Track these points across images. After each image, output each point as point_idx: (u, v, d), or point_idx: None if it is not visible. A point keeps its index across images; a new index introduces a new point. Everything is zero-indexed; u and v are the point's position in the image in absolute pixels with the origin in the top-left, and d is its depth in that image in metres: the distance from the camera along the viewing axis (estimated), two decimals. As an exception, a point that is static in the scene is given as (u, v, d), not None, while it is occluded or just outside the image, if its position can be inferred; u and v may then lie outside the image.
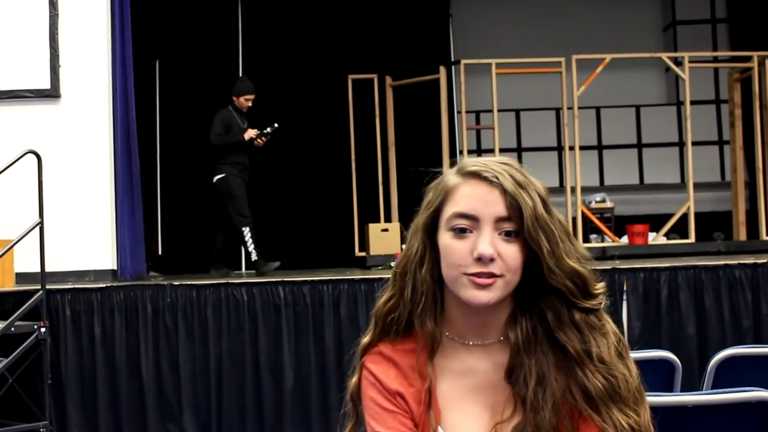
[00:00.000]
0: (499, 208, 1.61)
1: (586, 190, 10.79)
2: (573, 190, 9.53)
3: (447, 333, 1.71)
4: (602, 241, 10.67)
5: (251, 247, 8.40)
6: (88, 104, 7.71)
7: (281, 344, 6.63)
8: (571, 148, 9.58)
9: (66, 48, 7.72)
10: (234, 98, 8.65)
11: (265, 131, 8.51)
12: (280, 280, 6.81)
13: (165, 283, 6.86)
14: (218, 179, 8.58)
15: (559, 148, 12.93)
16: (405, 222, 9.63)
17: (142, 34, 9.00)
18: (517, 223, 1.60)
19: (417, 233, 1.72)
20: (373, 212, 10.35)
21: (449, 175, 1.70)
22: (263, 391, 6.61)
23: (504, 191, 1.61)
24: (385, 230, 9.58)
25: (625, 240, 10.02)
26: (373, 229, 9.53)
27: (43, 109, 7.69)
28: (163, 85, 11.31)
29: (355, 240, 10.33)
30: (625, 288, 6.38)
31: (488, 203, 1.61)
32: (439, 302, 1.70)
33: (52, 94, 7.67)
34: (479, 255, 1.58)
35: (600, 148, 13.57)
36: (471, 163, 1.68)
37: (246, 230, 8.43)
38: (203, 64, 11.15)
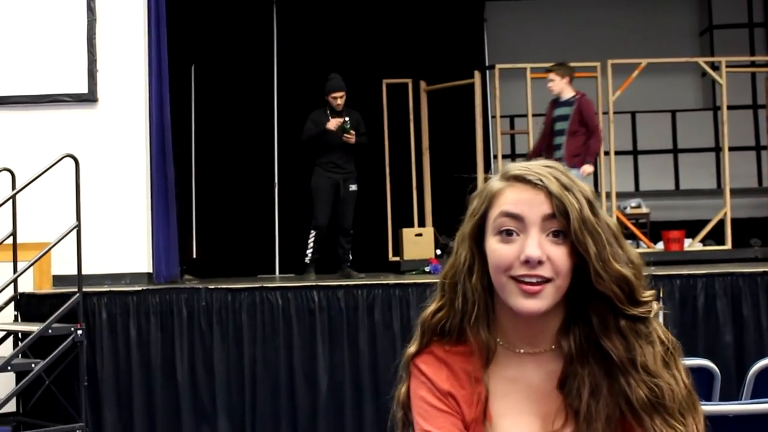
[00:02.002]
0: (546, 208, 1.59)
1: (621, 195, 10.71)
2: (608, 195, 9.47)
3: (498, 340, 1.69)
4: (637, 247, 10.58)
5: (309, 250, 8.39)
6: (124, 108, 7.76)
7: (315, 349, 6.63)
8: (607, 153, 9.52)
9: (103, 53, 7.77)
10: (326, 97, 8.63)
11: (345, 125, 8.47)
12: (314, 284, 6.82)
13: (200, 286, 6.89)
14: (312, 179, 8.60)
15: (594, 153, 12.85)
16: (439, 227, 9.66)
17: (178, 40, 9.06)
18: (564, 226, 1.58)
19: (464, 242, 1.70)
20: (407, 217, 10.34)
21: (492, 181, 1.68)
22: (297, 396, 6.61)
23: (549, 193, 1.59)
24: (419, 235, 9.56)
25: (660, 246, 9.94)
26: (407, 233, 9.52)
27: (80, 113, 7.75)
28: (198, 90, 11.36)
29: (389, 245, 10.33)
30: (661, 295, 6.32)
31: (534, 205, 1.60)
32: (491, 310, 1.68)
33: (89, 98, 7.73)
34: (527, 257, 1.57)
35: (635, 153, 13.46)
36: (514, 167, 1.67)
37: (312, 234, 8.43)
38: (238, 69, 11.20)
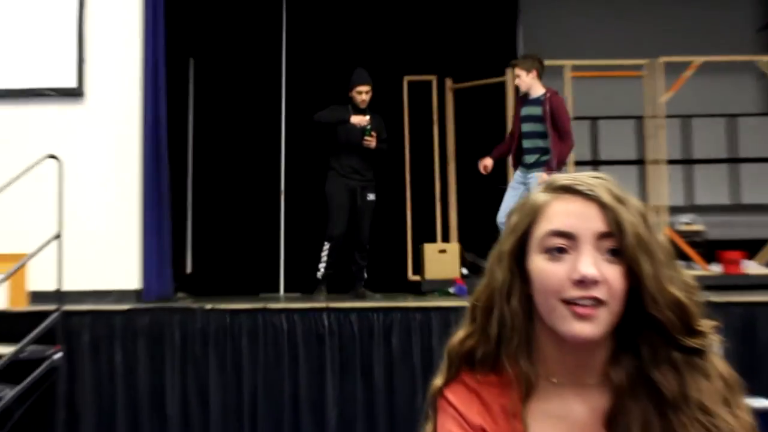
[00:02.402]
0: (599, 223, 1.59)
1: (672, 210, 10.65)
2: (657, 210, 9.42)
3: (539, 372, 1.68)
4: (690, 269, 10.53)
5: (322, 265, 8.38)
6: (115, 105, 7.78)
7: (324, 379, 6.61)
8: (655, 162, 9.47)
9: (92, 42, 7.80)
10: (349, 93, 8.67)
11: (367, 127, 8.48)
12: (324, 306, 6.80)
13: (195, 306, 6.88)
14: (327, 185, 8.63)
15: (641, 162, 12.80)
16: (465, 243, 9.63)
17: (176, 29, 9.08)
18: (619, 243, 1.58)
19: (501, 261, 1.69)
20: (429, 231, 10.31)
21: (536, 194, 1.69)
22: (303, 432, 6.60)
23: (602, 206, 1.59)
24: (443, 251, 9.53)
25: (717, 268, 9.87)
26: (430, 249, 9.49)
27: (65, 109, 7.77)
28: (197, 86, 11.38)
29: (408, 262, 10.30)
30: (718, 326, 6.26)
31: (586, 219, 1.60)
32: (531, 338, 1.67)
33: (75, 92, 7.75)
34: (581, 276, 1.56)
35: (688, 162, 13.40)
36: (560, 178, 1.67)
37: (326, 246, 8.42)
38: (242, 63, 11.21)
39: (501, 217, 8.14)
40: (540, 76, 8.29)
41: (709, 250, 11.08)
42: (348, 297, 8.18)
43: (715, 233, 12.05)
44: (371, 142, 8.47)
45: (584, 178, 1.64)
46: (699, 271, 9.82)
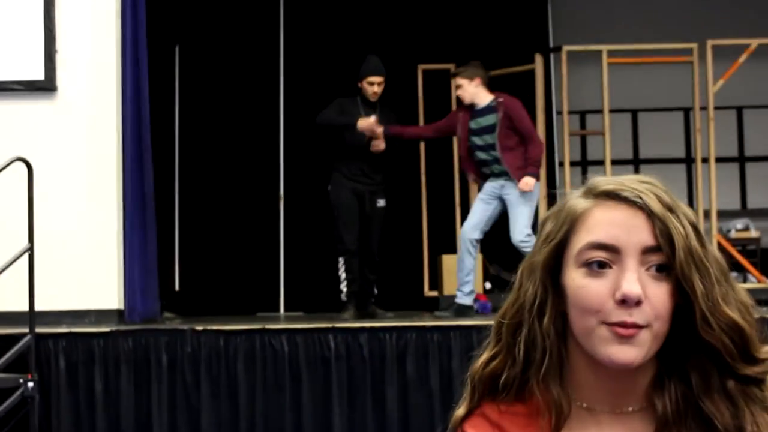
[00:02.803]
0: (646, 236, 1.58)
1: (723, 214, 10.64)
2: (707, 214, 9.41)
3: (573, 398, 1.67)
4: (744, 281, 10.52)
5: (343, 284, 8.37)
6: (91, 100, 7.80)
7: (330, 408, 6.62)
8: (705, 160, 9.46)
9: (64, 30, 7.81)
10: (359, 83, 8.66)
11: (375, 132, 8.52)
12: (330, 326, 6.81)
13: (184, 327, 6.90)
14: (329, 190, 8.65)
15: (689, 160, 12.78)
16: (489, 254, 9.63)
17: (159, 14, 9.10)
18: (668, 258, 1.57)
19: (533, 274, 1.67)
20: (448, 241, 10.30)
21: (574, 199, 1.66)
22: (307, 468, 6.62)
23: (651, 215, 1.58)
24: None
25: (774, 280, 9.86)
26: (448, 262, 9.49)
27: (35, 105, 7.79)
28: (184, 78, 11.41)
29: (424, 276, 10.30)
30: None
31: (632, 230, 1.58)
32: (565, 360, 1.66)
33: (46, 86, 7.77)
34: (624, 295, 1.54)
35: (742, 160, 13.40)
36: (603, 182, 1.65)
37: (341, 261, 8.42)
38: (235, 51, 11.22)
39: (469, 232, 8.20)
40: (485, 84, 8.34)
41: (766, 259, 11.07)
42: (351, 315, 8.15)
43: (773, 240, 12.03)
44: (380, 145, 8.47)
45: (630, 182, 1.62)
46: (754, 284, 9.81)
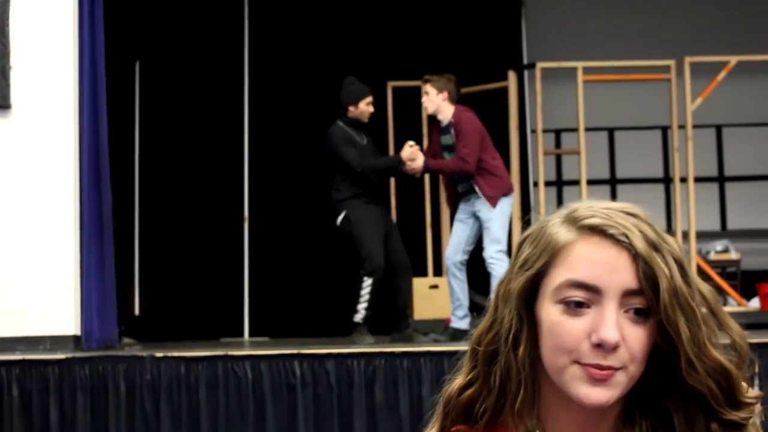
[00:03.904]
0: (629, 278, 1.55)
1: (702, 236, 10.69)
2: (685, 235, 9.45)
3: (545, 429, 1.67)
4: (725, 304, 10.55)
5: (362, 306, 8.32)
6: (46, 117, 7.77)
7: (296, 437, 6.61)
8: (683, 180, 9.50)
9: (19, 45, 7.79)
10: (350, 108, 8.61)
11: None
12: (295, 352, 6.79)
13: (144, 353, 6.87)
14: (341, 221, 8.57)
15: (667, 180, 12.84)
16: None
17: (118, 29, 9.09)
18: (650, 301, 1.55)
19: (509, 301, 1.65)
20: (418, 263, 10.31)
21: (556, 226, 1.63)
22: (271, 500, 6.59)
23: (635, 256, 1.55)
24: (435, 287, 9.55)
25: (755, 303, 9.91)
26: (419, 285, 9.50)
27: (-12, 123, 7.77)
28: (144, 94, 11.40)
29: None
30: (756, 370, 6.28)
31: (615, 271, 1.55)
32: (539, 392, 1.65)
33: (0, 103, 7.74)
34: (601, 341, 1.53)
35: (721, 180, 13.46)
36: (587, 212, 1.61)
37: (367, 282, 8.36)
38: (197, 67, 11.22)
39: (451, 256, 8.23)
40: (452, 100, 8.35)
41: (746, 282, 11.12)
42: (366, 339, 8.13)
43: (753, 263, 12.08)
44: (416, 166, 8.49)
45: (617, 216, 1.59)
46: (734, 308, 9.85)
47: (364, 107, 8.59)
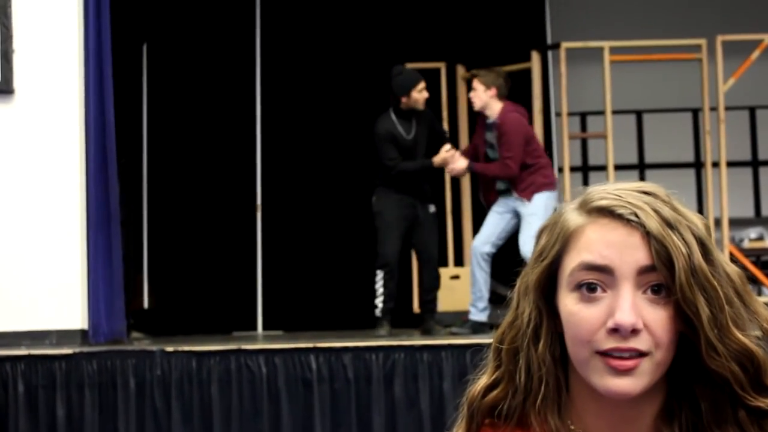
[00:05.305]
0: (641, 255, 1.54)
1: (736, 223, 10.67)
2: (718, 223, 9.42)
3: (573, 427, 1.66)
4: (759, 293, 10.54)
5: (379, 299, 8.38)
6: (51, 103, 7.79)
7: (312, 434, 6.62)
8: (715, 165, 9.48)
9: (22, 27, 7.81)
10: (402, 99, 8.63)
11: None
12: (311, 346, 6.80)
13: (154, 348, 6.88)
14: (373, 201, 8.72)
15: (698, 165, 12.81)
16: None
17: (125, 10, 9.09)
18: (667, 278, 1.54)
19: (528, 295, 1.66)
20: (439, 252, 10.31)
21: (569, 212, 1.63)
22: (286, 500, 6.61)
23: (647, 234, 1.55)
24: (456, 277, 9.53)
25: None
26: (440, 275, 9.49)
27: (-10, 109, 7.80)
28: (153, 78, 11.40)
29: (413, 291, 10.29)
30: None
31: (626, 250, 1.55)
32: (564, 388, 1.65)
33: (3, 88, 7.76)
34: (617, 324, 1.52)
35: (755, 164, 13.42)
36: (598, 194, 1.61)
37: (379, 275, 8.45)
38: (207, 50, 11.21)
39: (479, 246, 8.26)
40: (501, 96, 8.35)
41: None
42: (387, 332, 8.20)
43: (790, 250, 12.04)
44: (457, 169, 8.58)
45: (628, 195, 1.58)
46: (770, 297, 9.83)
47: (417, 95, 8.60)
